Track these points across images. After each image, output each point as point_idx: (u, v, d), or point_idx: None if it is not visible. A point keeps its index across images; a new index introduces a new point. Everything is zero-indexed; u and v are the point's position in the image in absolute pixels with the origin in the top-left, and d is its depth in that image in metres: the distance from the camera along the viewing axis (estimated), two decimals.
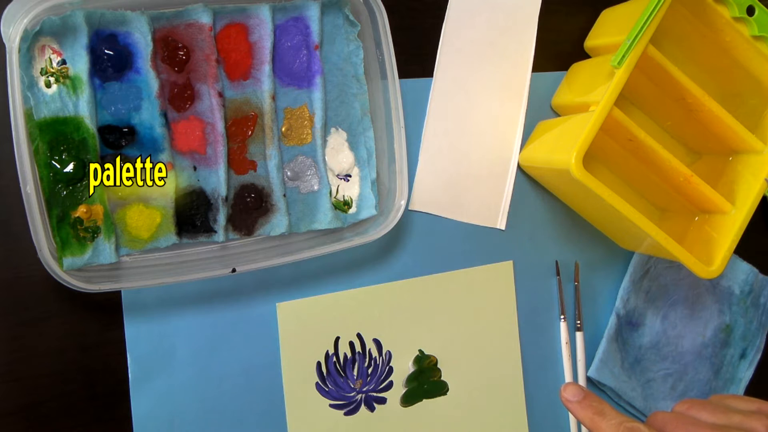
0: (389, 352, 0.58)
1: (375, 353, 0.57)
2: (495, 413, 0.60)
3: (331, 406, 0.56)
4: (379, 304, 0.58)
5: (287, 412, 0.55)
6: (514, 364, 0.61)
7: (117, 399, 0.52)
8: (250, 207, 0.54)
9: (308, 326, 0.56)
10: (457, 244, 0.60)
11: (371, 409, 0.57)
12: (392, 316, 0.58)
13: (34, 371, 0.50)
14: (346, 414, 0.56)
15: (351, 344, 0.57)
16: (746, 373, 0.68)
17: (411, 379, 0.58)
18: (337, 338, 0.56)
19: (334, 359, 0.56)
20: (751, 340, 0.68)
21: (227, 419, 0.54)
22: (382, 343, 0.57)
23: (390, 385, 0.58)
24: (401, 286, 0.58)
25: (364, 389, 0.57)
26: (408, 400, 0.58)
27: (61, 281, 0.46)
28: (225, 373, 0.54)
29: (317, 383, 0.56)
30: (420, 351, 0.58)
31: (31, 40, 0.47)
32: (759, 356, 0.68)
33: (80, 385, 0.51)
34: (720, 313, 0.67)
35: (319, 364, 0.56)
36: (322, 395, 0.56)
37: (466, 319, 0.60)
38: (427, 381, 0.58)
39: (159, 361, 0.52)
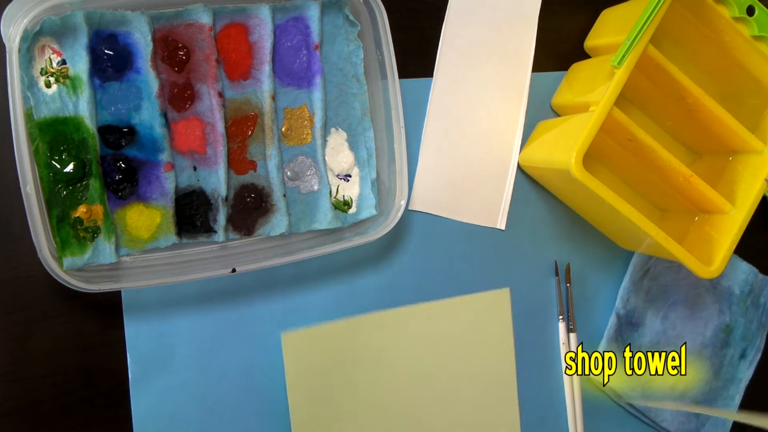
0: None
1: None
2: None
3: None
4: (379, 330, 0.57)
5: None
6: (509, 393, 0.61)
7: (117, 399, 0.52)
8: (250, 207, 0.54)
9: (310, 355, 0.55)
10: (457, 244, 0.60)
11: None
12: (392, 343, 0.58)
13: (34, 371, 0.50)
14: None
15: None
16: (746, 373, 0.68)
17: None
18: None
19: None
20: (751, 340, 0.68)
21: (227, 419, 0.54)
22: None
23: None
24: (400, 314, 0.58)
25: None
26: None
27: (61, 281, 0.46)
28: (225, 373, 0.54)
29: None
30: None
31: (31, 40, 0.47)
32: (759, 356, 0.68)
33: (80, 385, 0.51)
34: (720, 313, 0.67)
35: None
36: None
37: (464, 349, 0.60)
38: None
39: (159, 361, 0.52)
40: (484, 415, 0.60)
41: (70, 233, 0.48)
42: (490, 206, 0.62)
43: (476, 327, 0.60)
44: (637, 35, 0.51)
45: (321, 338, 0.56)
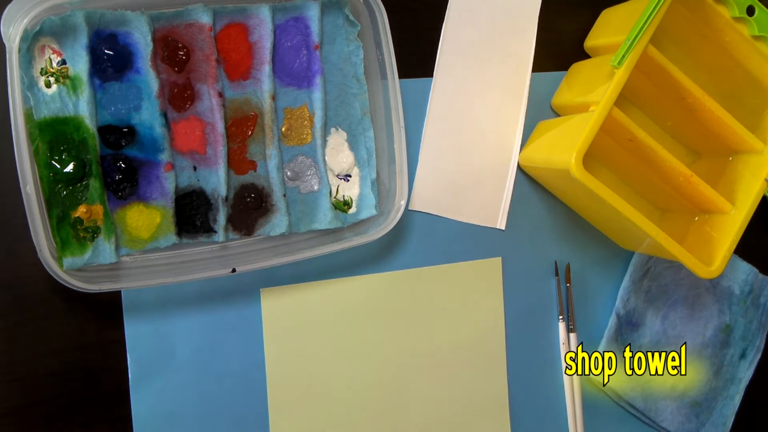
0: None
1: None
2: (478, 417, 0.61)
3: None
4: (364, 294, 0.57)
5: (268, 387, 0.55)
6: (498, 363, 0.61)
7: (117, 399, 0.52)
8: (250, 207, 0.54)
9: (292, 314, 0.55)
10: (457, 244, 0.60)
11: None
12: (377, 307, 0.58)
13: (34, 371, 0.50)
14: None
15: None
16: (746, 373, 0.68)
17: None
18: None
19: None
20: (751, 340, 0.68)
21: (227, 419, 0.54)
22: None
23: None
24: (390, 278, 0.58)
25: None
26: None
27: (61, 281, 0.46)
28: (225, 373, 0.54)
29: None
30: None
31: (31, 40, 0.47)
32: (759, 356, 0.68)
33: (80, 385, 0.51)
34: (720, 313, 0.67)
35: None
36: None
37: (451, 315, 0.60)
38: None
39: (159, 361, 0.52)
40: (471, 379, 0.60)
41: (70, 233, 0.48)
42: (490, 206, 0.62)
43: (467, 293, 0.60)
44: (637, 35, 0.51)
45: (302, 297, 0.56)
